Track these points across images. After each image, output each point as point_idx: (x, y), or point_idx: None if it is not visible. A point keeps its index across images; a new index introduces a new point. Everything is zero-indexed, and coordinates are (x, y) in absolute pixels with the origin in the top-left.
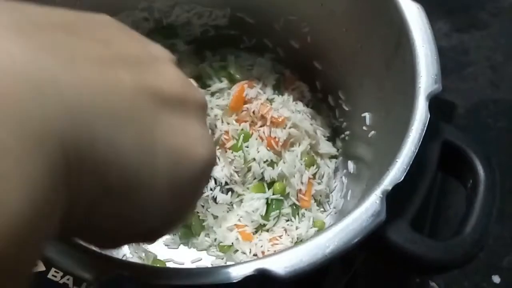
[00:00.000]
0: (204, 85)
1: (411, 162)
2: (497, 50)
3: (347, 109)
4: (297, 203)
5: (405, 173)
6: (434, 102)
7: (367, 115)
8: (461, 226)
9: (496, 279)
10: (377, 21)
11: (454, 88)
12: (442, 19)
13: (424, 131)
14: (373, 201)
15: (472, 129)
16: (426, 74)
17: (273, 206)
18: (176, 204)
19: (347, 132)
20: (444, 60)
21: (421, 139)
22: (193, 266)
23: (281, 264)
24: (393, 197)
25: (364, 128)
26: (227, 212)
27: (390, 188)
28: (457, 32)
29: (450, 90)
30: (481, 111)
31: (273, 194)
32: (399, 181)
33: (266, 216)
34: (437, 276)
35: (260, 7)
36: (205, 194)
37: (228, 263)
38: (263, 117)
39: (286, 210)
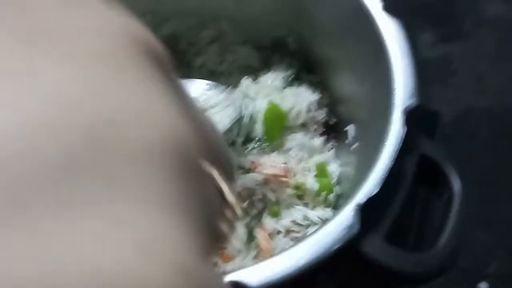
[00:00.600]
0: None
1: (385, 176)
2: (482, 59)
3: (332, 121)
4: None
5: (379, 186)
6: (417, 112)
7: (350, 127)
8: (435, 239)
9: (483, 285)
10: (357, 36)
11: (440, 97)
12: (427, 31)
13: (400, 145)
14: (346, 214)
15: (457, 137)
16: (403, 89)
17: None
18: None
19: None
20: (430, 70)
21: (397, 153)
22: None
23: (255, 276)
24: (368, 210)
25: (350, 139)
26: None
27: (364, 201)
28: (442, 42)
29: (435, 99)
30: (466, 120)
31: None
32: (373, 194)
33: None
34: (423, 284)
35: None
36: None
37: None
38: None
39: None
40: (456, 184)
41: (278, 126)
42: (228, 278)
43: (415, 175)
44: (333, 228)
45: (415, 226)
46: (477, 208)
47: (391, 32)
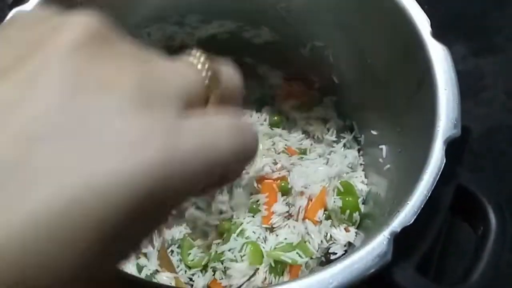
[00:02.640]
0: None
1: (422, 206)
2: None
3: (364, 138)
4: None
5: (415, 216)
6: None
7: (384, 147)
8: (467, 273)
9: None
10: (402, 58)
11: (469, 113)
12: (459, 43)
13: (438, 176)
14: (380, 242)
15: (485, 154)
16: (446, 118)
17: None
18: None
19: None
20: (460, 84)
21: (435, 184)
22: None
23: None
24: (401, 239)
25: (381, 160)
26: None
27: (398, 230)
28: (474, 56)
29: (464, 114)
30: (495, 136)
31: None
32: (409, 223)
33: None
34: None
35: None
36: None
37: None
38: None
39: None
40: (493, 218)
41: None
42: None
43: (451, 205)
44: (364, 254)
45: (437, 255)
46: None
47: (439, 58)
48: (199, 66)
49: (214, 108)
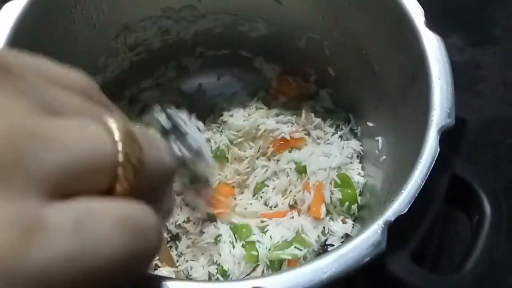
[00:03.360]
0: None
1: (416, 195)
2: (510, 66)
3: (361, 130)
4: None
5: (409, 205)
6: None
7: (379, 139)
8: (462, 262)
9: None
10: (397, 48)
11: (465, 104)
12: (456, 33)
13: (432, 165)
14: (374, 231)
15: (482, 145)
16: (440, 108)
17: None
18: None
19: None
20: (457, 74)
21: (429, 173)
22: None
23: (278, 284)
24: (395, 228)
25: (377, 151)
26: None
27: (392, 219)
28: (471, 47)
29: (460, 105)
30: (491, 127)
31: None
32: (403, 212)
33: None
34: None
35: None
36: None
37: None
38: None
39: None
40: (487, 207)
41: None
42: (252, 284)
43: (446, 194)
44: (359, 243)
45: (434, 244)
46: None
47: (433, 48)
48: (116, 135)
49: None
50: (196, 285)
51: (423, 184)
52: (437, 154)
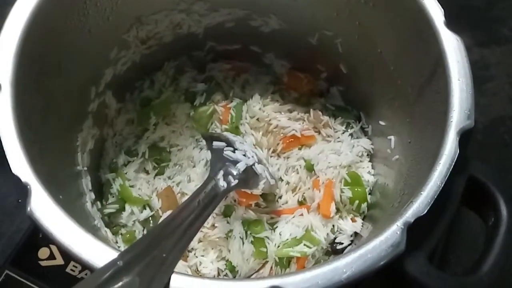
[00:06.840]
0: None
1: (435, 196)
2: None
3: (372, 129)
4: None
5: (428, 207)
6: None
7: (392, 138)
8: (478, 264)
9: None
10: (415, 47)
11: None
12: (464, 33)
13: (452, 167)
14: (393, 232)
15: (488, 144)
16: (459, 109)
17: None
18: None
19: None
20: None
21: (448, 174)
22: None
23: (297, 284)
24: (414, 229)
25: (389, 150)
26: None
27: (412, 220)
28: (479, 47)
29: None
30: (498, 127)
31: None
32: (422, 214)
33: None
34: None
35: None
36: None
37: None
38: None
39: None
40: (504, 210)
41: None
42: (270, 283)
43: (462, 196)
44: (378, 244)
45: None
46: None
47: (452, 48)
48: None
49: None
50: (216, 283)
51: (442, 185)
52: (456, 156)
